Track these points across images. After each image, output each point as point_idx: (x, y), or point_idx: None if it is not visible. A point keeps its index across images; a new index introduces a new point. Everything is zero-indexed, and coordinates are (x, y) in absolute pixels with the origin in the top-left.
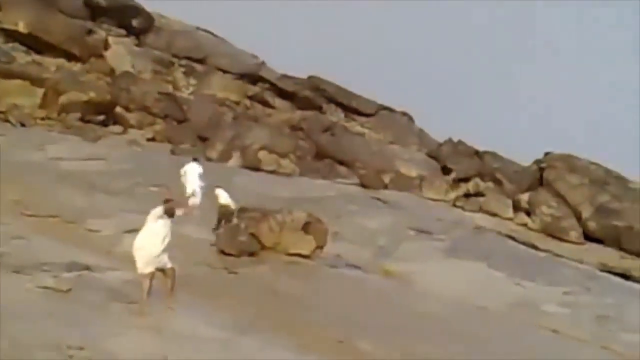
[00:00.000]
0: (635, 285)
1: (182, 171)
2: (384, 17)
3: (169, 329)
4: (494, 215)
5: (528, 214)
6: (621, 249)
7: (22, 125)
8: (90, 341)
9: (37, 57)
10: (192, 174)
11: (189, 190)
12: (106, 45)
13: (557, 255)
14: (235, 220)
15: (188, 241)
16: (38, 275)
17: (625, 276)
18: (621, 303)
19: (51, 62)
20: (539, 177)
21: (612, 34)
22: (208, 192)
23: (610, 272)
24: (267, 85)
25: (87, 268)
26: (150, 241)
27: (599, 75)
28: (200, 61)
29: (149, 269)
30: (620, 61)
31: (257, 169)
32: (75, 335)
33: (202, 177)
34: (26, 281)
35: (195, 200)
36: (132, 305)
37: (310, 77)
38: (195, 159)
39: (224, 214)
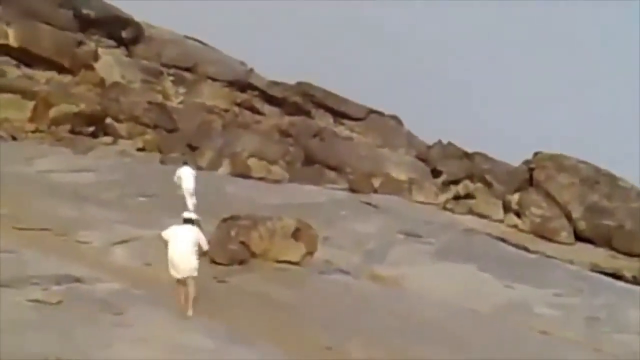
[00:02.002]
0: (626, 286)
1: (175, 176)
2: (371, 21)
3: (158, 339)
4: (484, 217)
5: (518, 215)
6: (612, 248)
7: (14, 138)
8: (80, 353)
9: (27, 71)
10: (187, 177)
11: (186, 193)
12: (96, 57)
13: (548, 257)
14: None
15: None
16: (27, 288)
17: (617, 276)
18: (612, 304)
19: (41, 75)
20: (529, 177)
21: (603, 34)
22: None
23: (601, 272)
24: (256, 92)
25: (77, 280)
26: (186, 249)
27: (589, 73)
28: (189, 70)
29: (183, 276)
30: (610, 60)
31: (247, 176)
32: (64, 348)
33: (195, 180)
34: (16, 295)
35: (193, 200)
36: (120, 316)
37: (299, 83)
38: (185, 163)
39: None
